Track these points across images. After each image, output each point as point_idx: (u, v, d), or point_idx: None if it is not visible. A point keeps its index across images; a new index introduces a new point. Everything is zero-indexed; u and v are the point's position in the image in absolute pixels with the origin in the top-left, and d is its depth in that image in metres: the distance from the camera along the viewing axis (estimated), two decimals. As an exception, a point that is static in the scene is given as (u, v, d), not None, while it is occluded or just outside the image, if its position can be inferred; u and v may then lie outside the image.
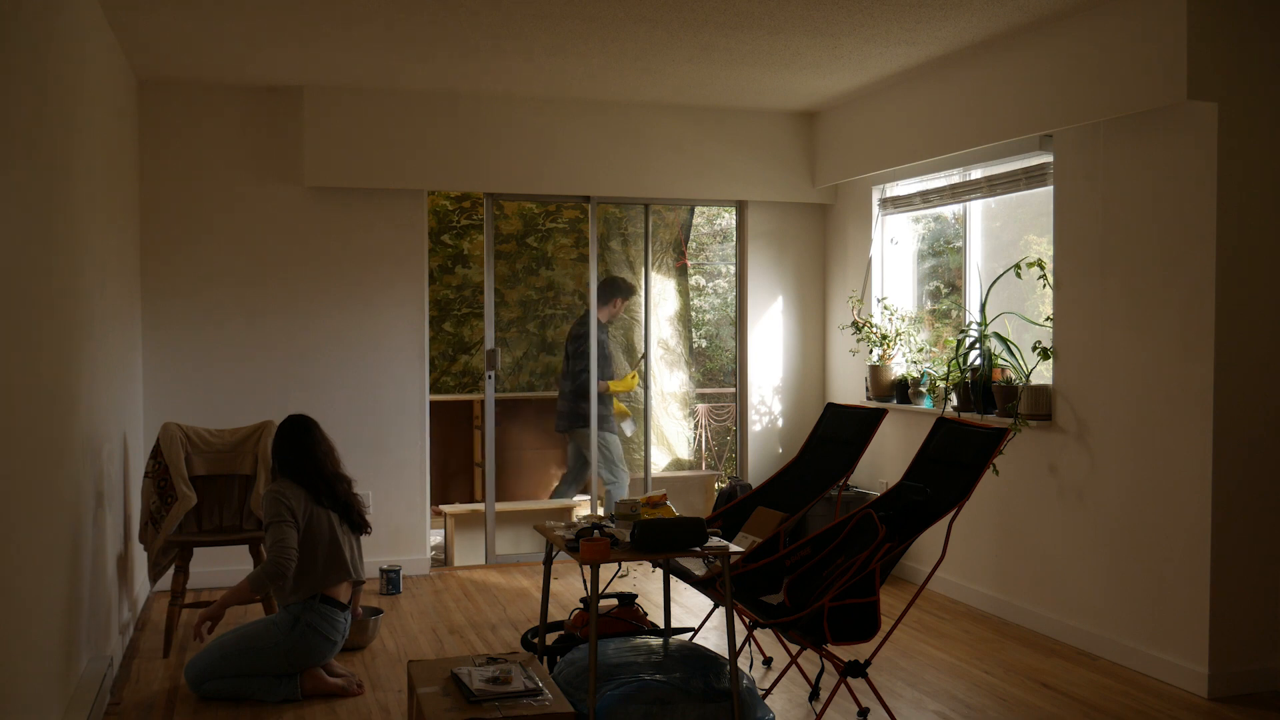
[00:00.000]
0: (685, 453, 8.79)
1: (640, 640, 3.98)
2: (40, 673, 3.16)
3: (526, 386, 8.42)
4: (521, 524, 7.08)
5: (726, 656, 3.80)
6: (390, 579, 6.00)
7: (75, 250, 3.85)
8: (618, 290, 7.38)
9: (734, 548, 3.80)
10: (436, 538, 7.22)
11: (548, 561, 4.29)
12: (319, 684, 4.33)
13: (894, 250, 6.68)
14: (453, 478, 8.10)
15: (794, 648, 4.56)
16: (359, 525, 4.56)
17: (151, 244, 6.01)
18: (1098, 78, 4.63)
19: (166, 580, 5.68)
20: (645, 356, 7.24)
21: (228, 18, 4.79)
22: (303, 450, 4.51)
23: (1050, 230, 5.22)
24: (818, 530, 4.35)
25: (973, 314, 5.87)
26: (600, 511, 7.16)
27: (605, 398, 7.18)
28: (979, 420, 5.39)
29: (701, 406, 8.87)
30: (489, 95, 6.37)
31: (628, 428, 7.87)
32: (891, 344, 6.41)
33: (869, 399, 6.51)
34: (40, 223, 3.25)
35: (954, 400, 5.77)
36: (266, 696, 4.28)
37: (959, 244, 6.16)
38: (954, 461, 4.16)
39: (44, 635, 3.24)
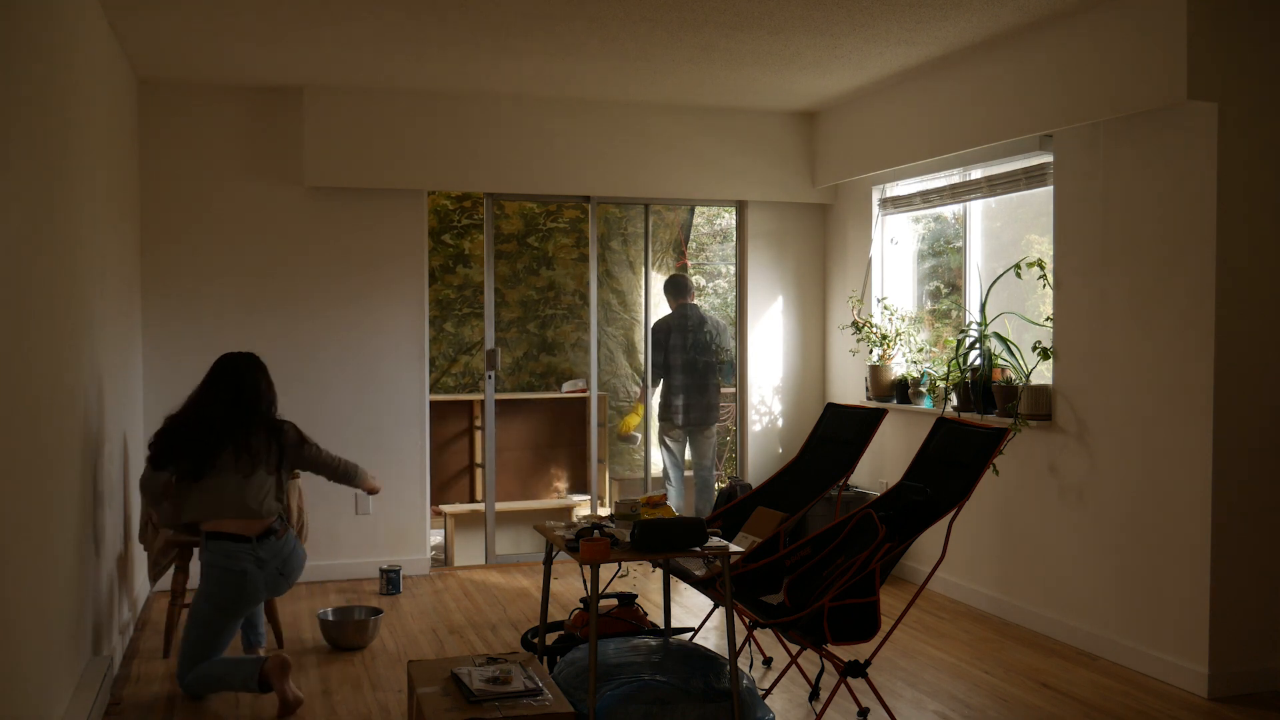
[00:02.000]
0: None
1: (640, 640, 3.98)
2: (37, 672, 3.16)
3: (526, 387, 8.42)
4: (521, 524, 7.08)
5: (726, 656, 3.80)
6: (390, 579, 6.00)
7: (75, 250, 3.85)
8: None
9: (734, 548, 3.80)
10: (436, 538, 7.22)
11: (548, 561, 4.29)
12: (278, 683, 4.16)
13: (894, 250, 6.68)
14: (453, 478, 8.10)
15: (794, 648, 4.56)
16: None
17: (151, 244, 6.02)
18: (1098, 78, 4.63)
19: (166, 580, 5.67)
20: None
21: (228, 18, 4.79)
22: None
23: (1050, 230, 5.21)
24: (818, 530, 4.35)
25: (973, 314, 5.87)
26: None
27: (717, 388, 7.19)
28: (979, 420, 5.39)
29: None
30: (489, 95, 6.37)
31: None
32: (891, 344, 6.41)
33: (869, 399, 6.51)
34: (40, 223, 3.25)
35: (954, 400, 5.77)
36: (233, 680, 4.18)
37: (959, 244, 6.15)
38: (954, 461, 4.16)
39: (42, 635, 3.24)
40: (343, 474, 4.68)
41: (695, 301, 7.28)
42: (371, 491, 4.82)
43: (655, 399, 7.28)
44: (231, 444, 4.33)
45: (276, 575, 4.39)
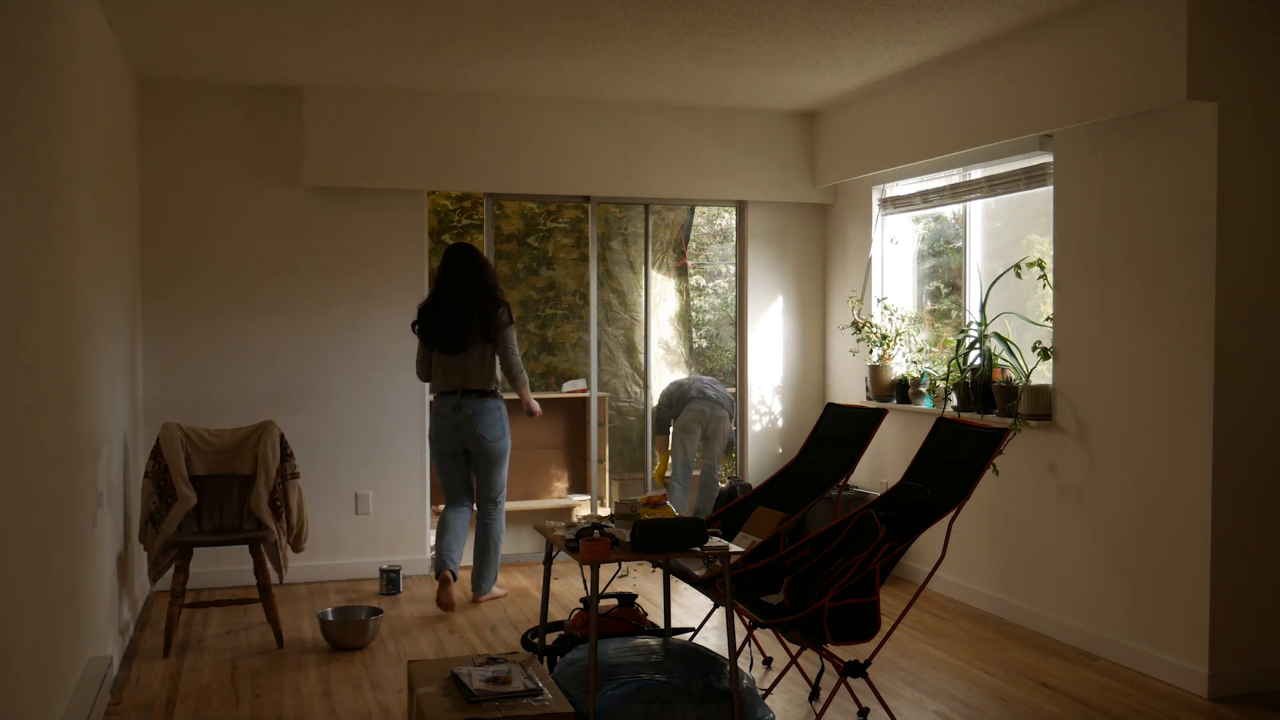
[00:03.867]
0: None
1: (640, 640, 3.98)
2: (38, 672, 3.16)
3: (526, 386, 8.41)
4: (521, 524, 7.08)
5: (726, 656, 3.80)
6: (390, 579, 6.00)
7: (75, 250, 3.85)
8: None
9: (734, 548, 3.80)
10: (436, 538, 7.22)
11: (548, 561, 4.29)
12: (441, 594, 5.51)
13: (894, 250, 6.68)
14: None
15: (794, 648, 4.56)
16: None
17: (151, 244, 6.02)
18: (1098, 78, 4.63)
19: (166, 580, 5.68)
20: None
21: (228, 18, 4.79)
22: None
23: (1050, 230, 5.22)
24: (818, 530, 4.35)
25: (973, 314, 5.87)
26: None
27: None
28: (979, 420, 5.39)
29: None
30: (489, 95, 6.37)
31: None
32: (891, 344, 6.41)
33: (869, 399, 6.51)
34: (40, 223, 3.25)
35: (954, 400, 5.77)
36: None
37: (959, 244, 6.15)
38: (954, 461, 4.16)
39: (41, 635, 3.24)
40: (515, 375, 5.64)
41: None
42: (530, 412, 5.82)
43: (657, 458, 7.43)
44: (452, 329, 5.48)
45: (468, 421, 5.50)
